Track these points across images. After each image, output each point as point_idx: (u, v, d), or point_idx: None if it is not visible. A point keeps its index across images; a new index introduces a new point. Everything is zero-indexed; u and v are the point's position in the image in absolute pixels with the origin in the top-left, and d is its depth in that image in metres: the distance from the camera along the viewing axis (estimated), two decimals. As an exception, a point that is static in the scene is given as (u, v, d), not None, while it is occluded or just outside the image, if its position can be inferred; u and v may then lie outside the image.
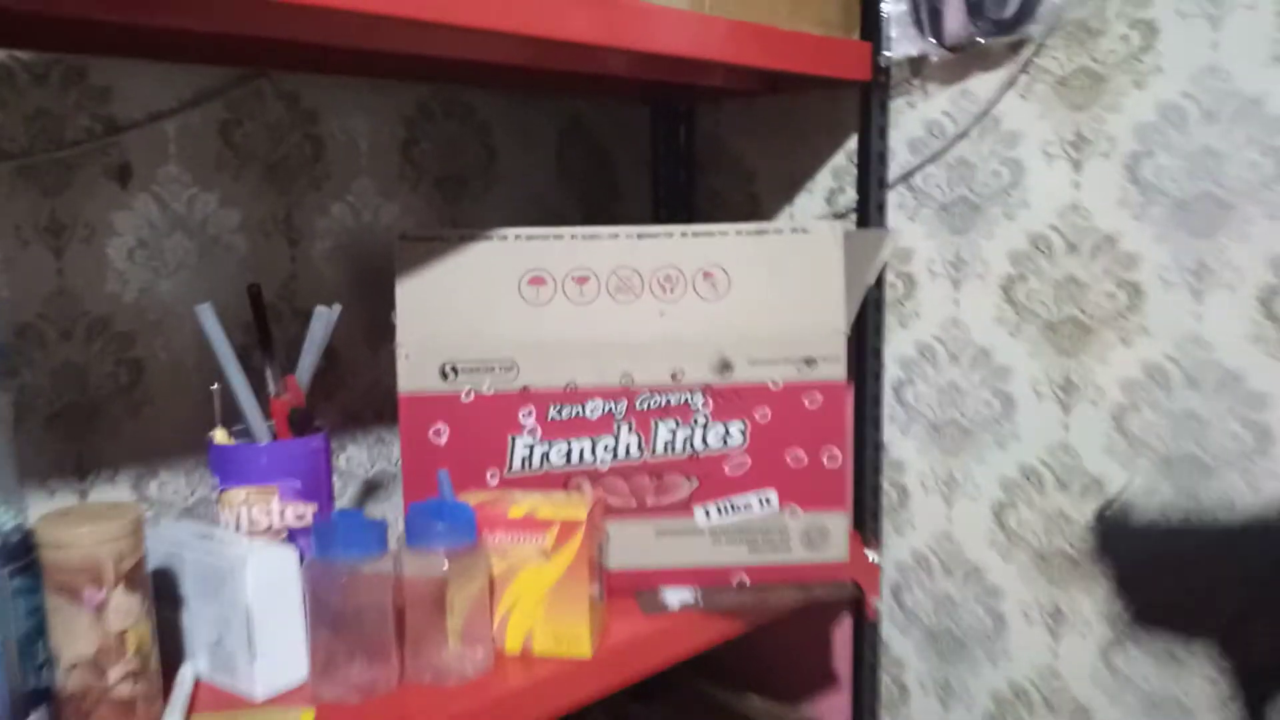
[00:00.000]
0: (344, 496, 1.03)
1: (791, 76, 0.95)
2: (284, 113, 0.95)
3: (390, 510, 1.05)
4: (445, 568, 0.71)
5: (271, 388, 0.82)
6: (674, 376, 0.85)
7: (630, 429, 0.85)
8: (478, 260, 0.85)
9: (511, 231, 0.86)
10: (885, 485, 1.05)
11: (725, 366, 0.85)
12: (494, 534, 0.74)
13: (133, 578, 0.63)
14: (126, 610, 0.63)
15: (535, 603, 0.75)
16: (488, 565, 0.74)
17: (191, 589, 0.72)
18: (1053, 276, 0.92)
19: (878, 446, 1.03)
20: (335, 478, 1.01)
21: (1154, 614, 0.36)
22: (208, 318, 0.77)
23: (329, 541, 0.69)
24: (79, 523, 0.62)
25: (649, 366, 0.85)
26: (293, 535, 0.78)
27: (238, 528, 0.77)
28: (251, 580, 0.68)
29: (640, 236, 0.87)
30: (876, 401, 1.02)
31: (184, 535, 0.74)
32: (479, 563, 0.73)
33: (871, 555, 1.00)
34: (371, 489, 1.05)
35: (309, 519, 0.78)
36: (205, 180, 0.91)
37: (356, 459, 1.03)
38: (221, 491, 0.77)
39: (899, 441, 1.04)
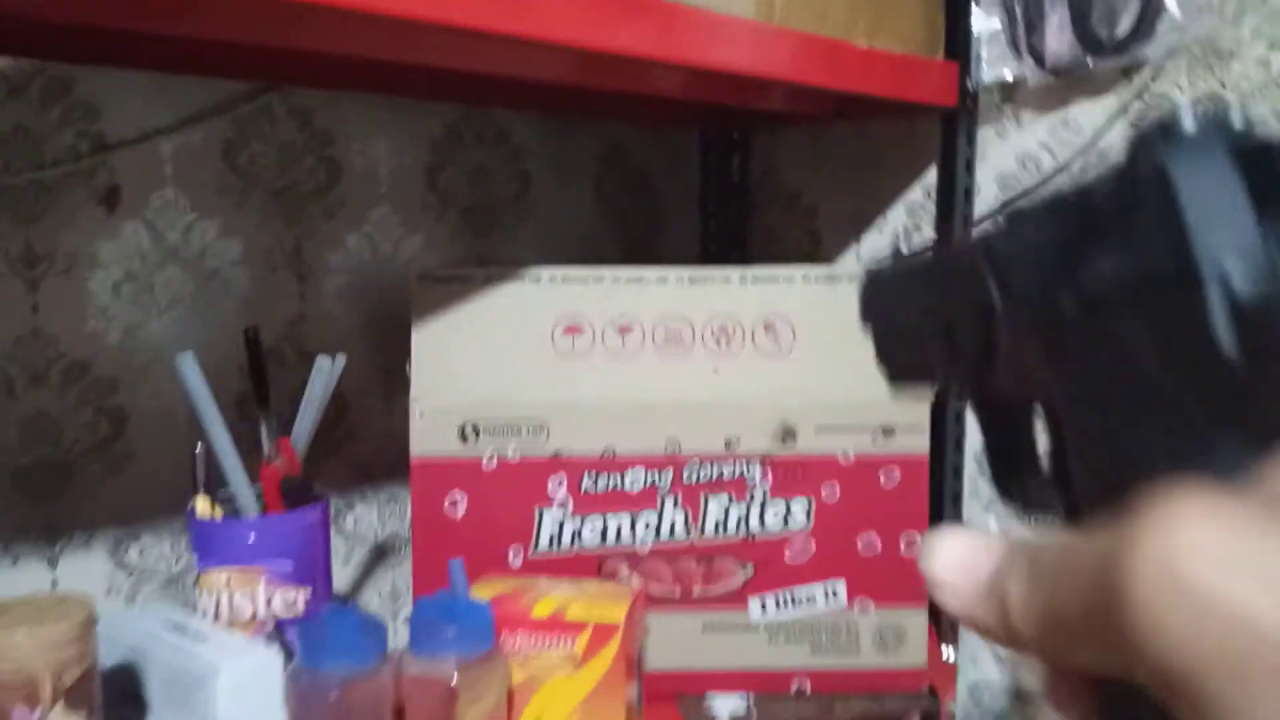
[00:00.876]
0: (350, 562, 0.92)
1: (864, 100, 0.84)
2: (295, 133, 0.85)
3: (401, 577, 0.94)
4: (455, 680, 0.59)
5: (265, 448, 0.71)
6: (728, 444, 0.73)
7: (676, 504, 0.74)
8: (506, 304, 0.74)
9: (545, 271, 0.75)
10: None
11: (788, 434, 0.73)
12: (514, 636, 0.63)
13: (77, 693, 0.52)
14: (67, 733, 0.52)
15: (563, 719, 0.63)
16: (506, 675, 0.62)
17: (157, 693, 0.61)
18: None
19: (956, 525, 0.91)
20: (342, 541, 0.90)
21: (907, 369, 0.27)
22: (190, 369, 0.66)
23: (318, 647, 0.58)
24: (13, 625, 0.51)
25: (699, 432, 0.73)
26: (281, 625, 0.67)
27: (217, 617, 0.66)
28: (224, 691, 0.57)
29: (692, 281, 0.75)
30: (957, 473, 0.89)
31: (153, 626, 0.63)
32: (495, 673, 0.61)
33: (947, 652, 0.87)
34: (382, 554, 0.94)
35: (300, 606, 0.67)
36: (204, 206, 0.81)
37: (365, 520, 0.92)
38: (200, 572, 0.67)
39: (980, 520, 0.91)
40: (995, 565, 0.20)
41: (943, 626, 0.89)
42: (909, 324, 0.31)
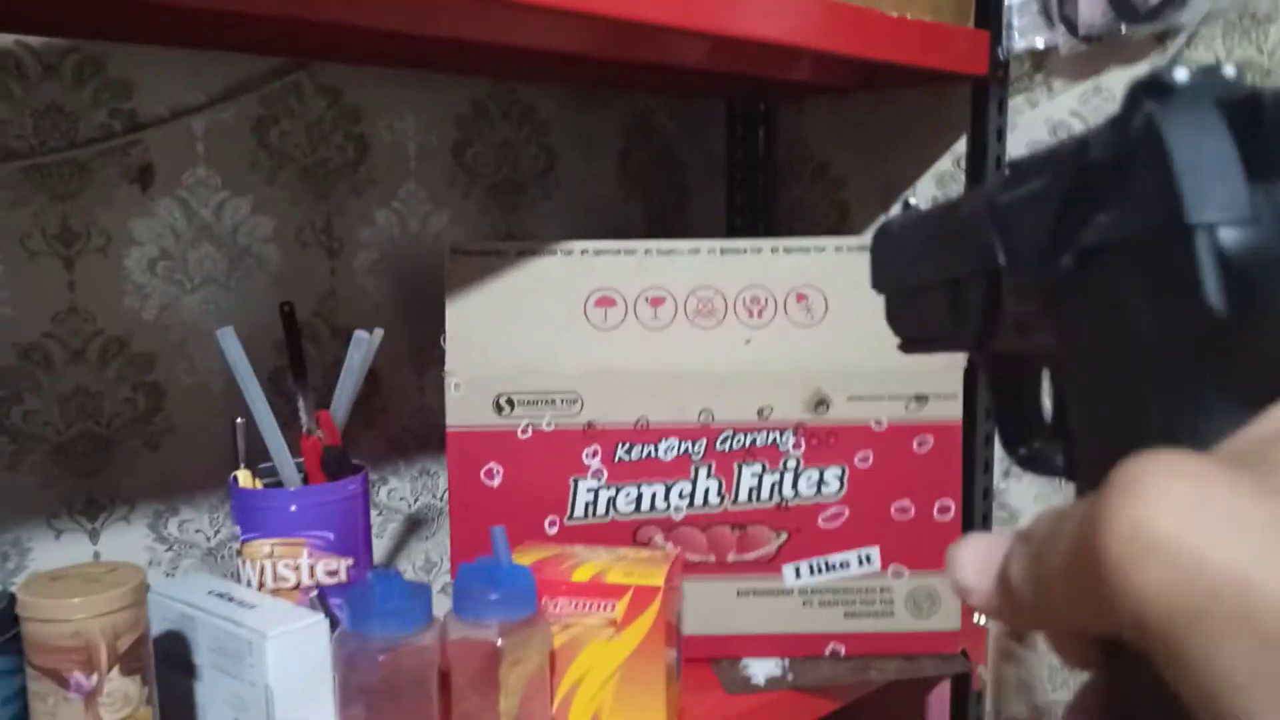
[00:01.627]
0: (384, 534, 0.92)
1: (892, 69, 0.83)
2: (324, 110, 0.86)
3: (435, 549, 0.95)
4: (499, 642, 0.60)
5: (304, 421, 0.72)
6: (761, 414, 0.74)
7: (709, 473, 0.74)
8: (538, 277, 0.74)
9: (577, 245, 0.75)
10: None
11: (821, 403, 0.74)
12: (555, 601, 0.64)
13: (131, 657, 0.53)
14: (123, 698, 0.53)
15: (603, 681, 0.64)
16: (547, 638, 0.63)
17: (206, 659, 0.62)
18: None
19: (988, 493, 0.91)
20: (375, 514, 0.91)
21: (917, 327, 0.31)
22: (230, 343, 0.67)
23: (364, 612, 0.59)
24: (68, 590, 0.52)
25: (732, 401, 0.74)
26: (324, 593, 0.68)
27: (261, 585, 0.67)
28: (273, 657, 0.58)
29: (724, 252, 0.76)
30: (989, 440, 0.90)
31: (198, 594, 0.64)
32: (537, 636, 0.62)
33: (978, 617, 0.88)
34: (415, 525, 0.95)
35: (343, 575, 0.68)
36: (236, 184, 0.81)
37: (399, 492, 0.93)
38: (244, 543, 0.67)
39: (1013, 487, 0.91)
40: (1004, 555, 0.21)
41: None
42: (918, 284, 0.31)
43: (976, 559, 0.21)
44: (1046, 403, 0.27)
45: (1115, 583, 0.17)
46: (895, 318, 0.34)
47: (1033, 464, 0.28)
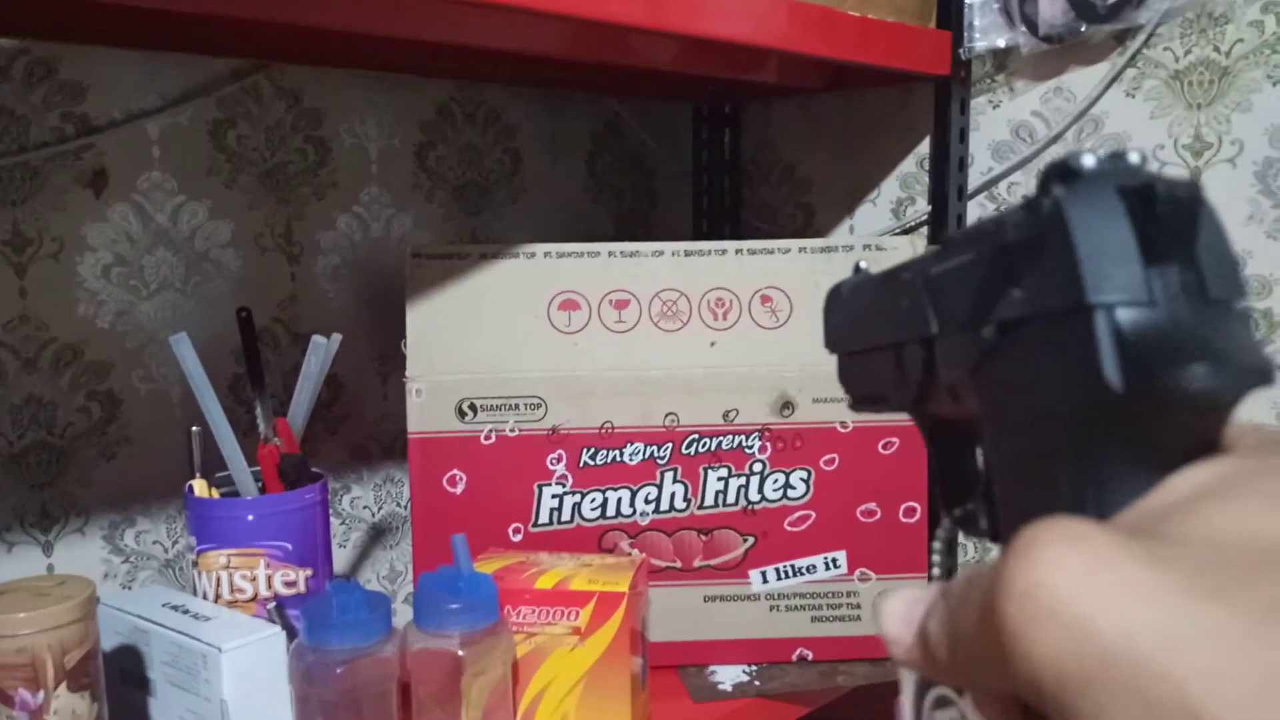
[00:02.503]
0: (348, 544, 0.91)
1: (857, 70, 0.83)
2: (284, 113, 0.84)
3: (399, 558, 0.94)
4: (460, 653, 0.59)
5: (261, 429, 0.71)
6: (726, 417, 0.73)
7: (675, 477, 0.73)
8: (501, 281, 0.74)
9: (540, 248, 0.74)
10: (960, 538, 0.92)
11: (786, 405, 0.73)
12: (518, 609, 0.63)
13: (80, 673, 0.52)
14: (72, 715, 0.51)
15: (567, 690, 0.63)
16: (510, 647, 0.62)
17: (160, 674, 0.60)
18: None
19: (955, 494, 0.90)
20: (339, 523, 0.90)
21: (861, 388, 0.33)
22: (184, 349, 0.65)
23: (322, 624, 0.57)
24: (14, 605, 0.50)
25: (697, 405, 0.73)
26: (282, 604, 0.67)
27: (217, 597, 0.66)
28: (229, 671, 0.56)
29: (688, 254, 0.75)
30: (954, 443, 0.89)
31: (153, 607, 0.63)
32: (500, 645, 0.61)
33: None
34: (379, 534, 0.93)
35: (302, 586, 0.67)
36: (193, 188, 0.80)
37: (363, 500, 0.92)
38: (199, 554, 0.66)
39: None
40: (924, 610, 0.21)
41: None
42: (865, 346, 0.32)
43: (900, 612, 0.22)
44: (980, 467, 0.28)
45: (1012, 646, 0.17)
46: (845, 377, 0.35)
47: (965, 525, 0.29)
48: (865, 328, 0.32)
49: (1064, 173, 0.20)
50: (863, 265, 0.35)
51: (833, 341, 0.35)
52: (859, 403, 0.34)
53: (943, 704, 0.26)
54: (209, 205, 0.81)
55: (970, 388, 0.25)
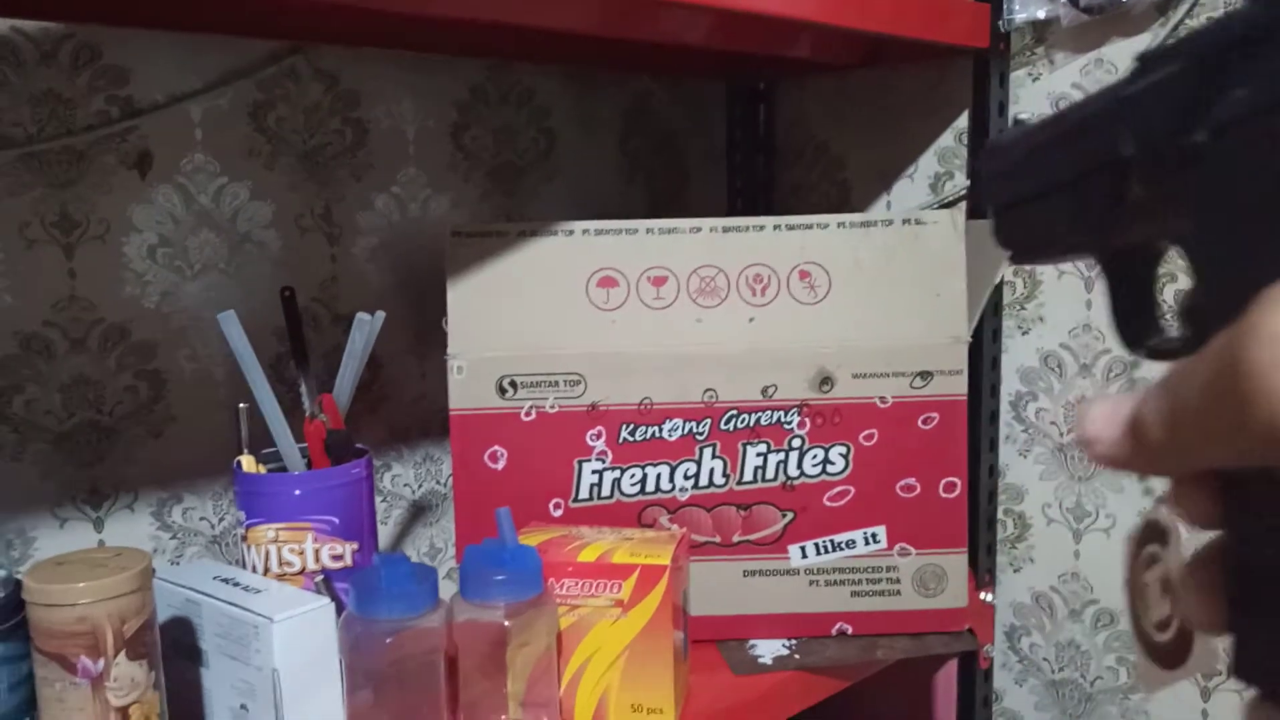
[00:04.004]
0: (389, 521, 0.92)
1: (893, 44, 0.83)
2: (322, 94, 0.85)
3: (439, 535, 0.95)
4: (506, 623, 0.60)
5: (306, 406, 0.72)
6: (765, 393, 0.73)
7: (714, 453, 0.74)
8: (540, 258, 0.74)
9: (578, 225, 0.75)
10: (1000, 514, 0.92)
11: (825, 381, 0.73)
12: (561, 582, 0.63)
13: (138, 642, 0.53)
14: (131, 682, 0.52)
15: (609, 662, 0.64)
16: (554, 619, 0.63)
17: (212, 644, 0.62)
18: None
19: (993, 470, 0.90)
20: (380, 500, 0.91)
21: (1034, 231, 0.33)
22: (232, 327, 0.66)
23: (370, 595, 0.58)
24: (74, 575, 0.52)
25: (736, 381, 0.73)
26: (330, 577, 0.68)
27: (266, 570, 0.67)
28: (279, 641, 0.58)
29: (726, 230, 0.75)
30: (994, 418, 0.89)
31: (204, 579, 0.64)
32: (544, 617, 0.62)
33: (985, 595, 0.88)
34: (419, 511, 0.94)
35: (348, 559, 0.68)
36: (234, 170, 0.81)
37: (403, 478, 0.93)
38: (248, 528, 0.67)
39: (1017, 464, 0.91)
40: (1132, 404, 0.22)
41: (979, 570, 0.89)
42: (1034, 191, 0.32)
43: (1105, 411, 0.23)
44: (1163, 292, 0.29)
45: (1256, 389, 0.18)
46: (1007, 232, 0.35)
47: (1153, 353, 0.29)
48: (1035, 171, 0.32)
49: None
50: (1023, 117, 0.35)
51: (991, 194, 0.35)
52: (1024, 254, 0.34)
53: (1152, 562, 0.27)
54: (250, 186, 0.82)
55: (1174, 200, 0.24)
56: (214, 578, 0.65)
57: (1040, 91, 0.86)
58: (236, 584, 0.64)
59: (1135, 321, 0.30)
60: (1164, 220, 0.25)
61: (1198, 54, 0.23)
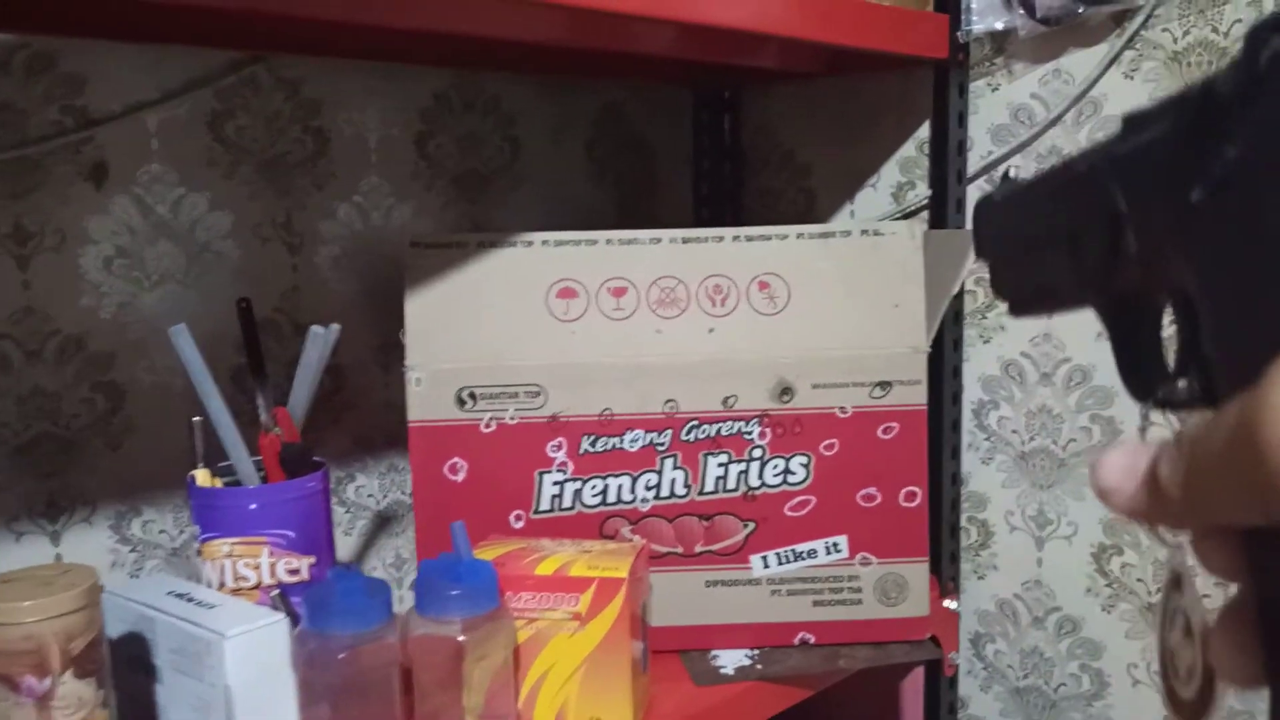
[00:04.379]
0: (353, 532, 0.92)
1: (855, 55, 0.83)
2: (283, 103, 0.85)
3: (405, 546, 0.95)
4: (461, 638, 0.59)
5: (263, 419, 0.71)
6: (726, 403, 0.74)
7: (675, 464, 0.74)
8: (500, 269, 0.74)
9: (538, 236, 0.75)
10: (964, 522, 0.93)
11: (785, 391, 0.74)
12: (519, 595, 0.63)
13: (85, 660, 0.52)
14: (78, 701, 0.52)
15: (568, 675, 0.64)
16: (511, 633, 0.62)
17: (166, 661, 0.61)
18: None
19: (956, 478, 0.91)
20: (344, 512, 0.91)
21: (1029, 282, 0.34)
22: (183, 340, 0.66)
23: (323, 610, 0.58)
24: (19, 594, 0.51)
25: (697, 391, 0.73)
26: (286, 592, 0.67)
27: (221, 585, 0.66)
28: (232, 658, 0.57)
29: (685, 241, 0.75)
30: (956, 427, 0.90)
31: (158, 595, 0.63)
32: (501, 630, 0.61)
33: (949, 603, 0.88)
34: (384, 522, 0.94)
35: (305, 573, 0.68)
36: (193, 180, 0.80)
37: (367, 489, 0.93)
38: (203, 543, 0.67)
39: (980, 473, 0.91)
40: (1150, 458, 0.23)
41: (943, 578, 0.90)
42: (1029, 244, 0.32)
43: (1123, 463, 0.23)
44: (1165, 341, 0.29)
45: (1274, 457, 0.18)
46: (1003, 282, 0.35)
47: (1161, 402, 0.29)
48: (1031, 224, 0.32)
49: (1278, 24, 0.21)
50: (1013, 173, 0.36)
51: (987, 247, 0.36)
52: (1021, 305, 0.35)
53: (1176, 618, 0.28)
54: (209, 197, 0.81)
55: (1168, 255, 0.25)
56: (168, 593, 0.64)
57: (1000, 101, 0.86)
58: (191, 599, 0.63)
59: (1141, 373, 0.30)
60: (1162, 274, 0.26)
61: (1185, 115, 0.24)
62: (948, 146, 0.85)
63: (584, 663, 0.63)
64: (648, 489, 0.74)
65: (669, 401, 0.73)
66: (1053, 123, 0.84)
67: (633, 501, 0.74)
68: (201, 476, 0.68)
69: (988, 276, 0.35)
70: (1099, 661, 0.86)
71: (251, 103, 0.83)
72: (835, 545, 0.75)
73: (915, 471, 0.75)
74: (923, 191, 0.93)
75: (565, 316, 0.73)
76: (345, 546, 0.91)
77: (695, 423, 0.73)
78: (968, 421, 0.91)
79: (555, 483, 0.73)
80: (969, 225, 0.89)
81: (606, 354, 0.73)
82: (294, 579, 0.67)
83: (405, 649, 0.60)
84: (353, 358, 0.90)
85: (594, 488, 0.74)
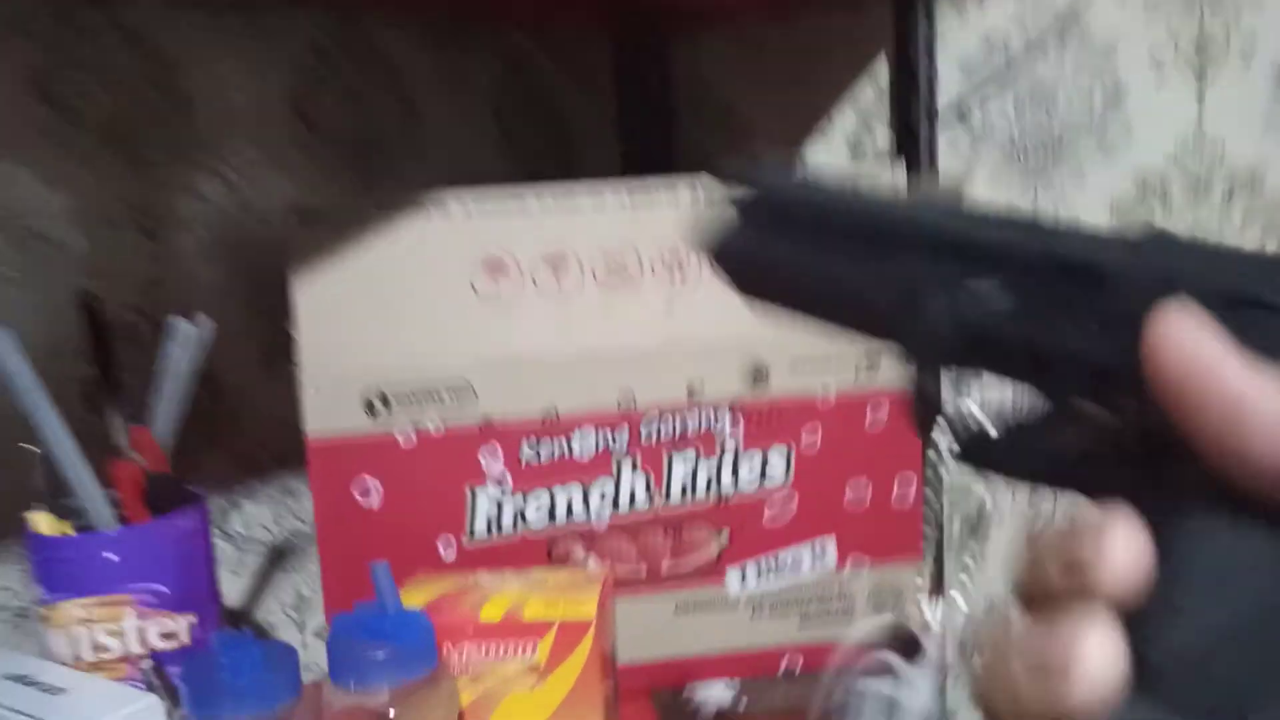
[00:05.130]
0: (243, 571, 0.77)
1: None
2: (125, 58, 0.69)
3: (307, 583, 0.80)
4: (391, 712, 0.47)
5: (120, 441, 0.57)
6: (691, 392, 0.62)
7: (635, 468, 0.62)
8: (409, 244, 0.61)
9: (455, 200, 0.62)
10: (948, 514, 0.83)
11: (759, 375, 0.62)
12: (460, 648, 0.51)
13: None
14: None
15: (527, 740, 0.51)
16: (454, 698, 0.50)
17: (-1, 770, 0.47)
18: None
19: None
20: (231, 548, 0.76)
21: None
22: (5, 350, 0.51)
23: (209, 689, 0.45)
24: None
25: (656, 380, 0.62)
26: (161, 662, 0.53)
27: (76, 659, 0.52)
28: (85, 766, 0.43)
29: (635, 203, 0.63)
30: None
31: (-13, 683, 0.49)
32: (440, 696, 0.49)
33: (938, 605, 0.79)
34: (280, 556, 0.80)
35: (184, 636, 0.54)
36: (16, 153, 0.65)
37: (257, 518, 0.78)
38: (48, 607, 0.52)
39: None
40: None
41: (931, 577, 0.80)
42: (832, 279, 0.30)
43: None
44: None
45: None
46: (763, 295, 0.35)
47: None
48: (835, 257, 0.31)
49: None
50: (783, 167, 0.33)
51: (743, 255, 0.35)
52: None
53: None
54: (38, 174, 0.66)
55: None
56: (4, 676, 0.50)
57: (970, 31, 0.77)
58: (32, 683, 0.49)
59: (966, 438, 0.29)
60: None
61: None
62: (918, 82, 0.74)
63: (547, 723, 0.51)
64: (603, 500, 0.62)
65: (624, 394, 0.61)
66: (1032, 52, 0.74)
67: (586, 517, 0.62)
68: (43, 521, 0.54)
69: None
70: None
71: (87, 58, 0.67)
72: (822, 551, 0.64)
73: (909, 459, 0.65)
74: (882, 138, 0.82)
75: (495, 297, 0.61)
76: (235, 589, 0.76)
77: (656, 417, 0.62)
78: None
79: (492, 500, 0.61)
80: (944, 170, 0.79)
81: (547, 341, 0.61)
82: (170, 645, 0.53)
83: (320, 731, 0.47)
84: (230, 361, 0.75)
85: (539, 503, 0.61)
